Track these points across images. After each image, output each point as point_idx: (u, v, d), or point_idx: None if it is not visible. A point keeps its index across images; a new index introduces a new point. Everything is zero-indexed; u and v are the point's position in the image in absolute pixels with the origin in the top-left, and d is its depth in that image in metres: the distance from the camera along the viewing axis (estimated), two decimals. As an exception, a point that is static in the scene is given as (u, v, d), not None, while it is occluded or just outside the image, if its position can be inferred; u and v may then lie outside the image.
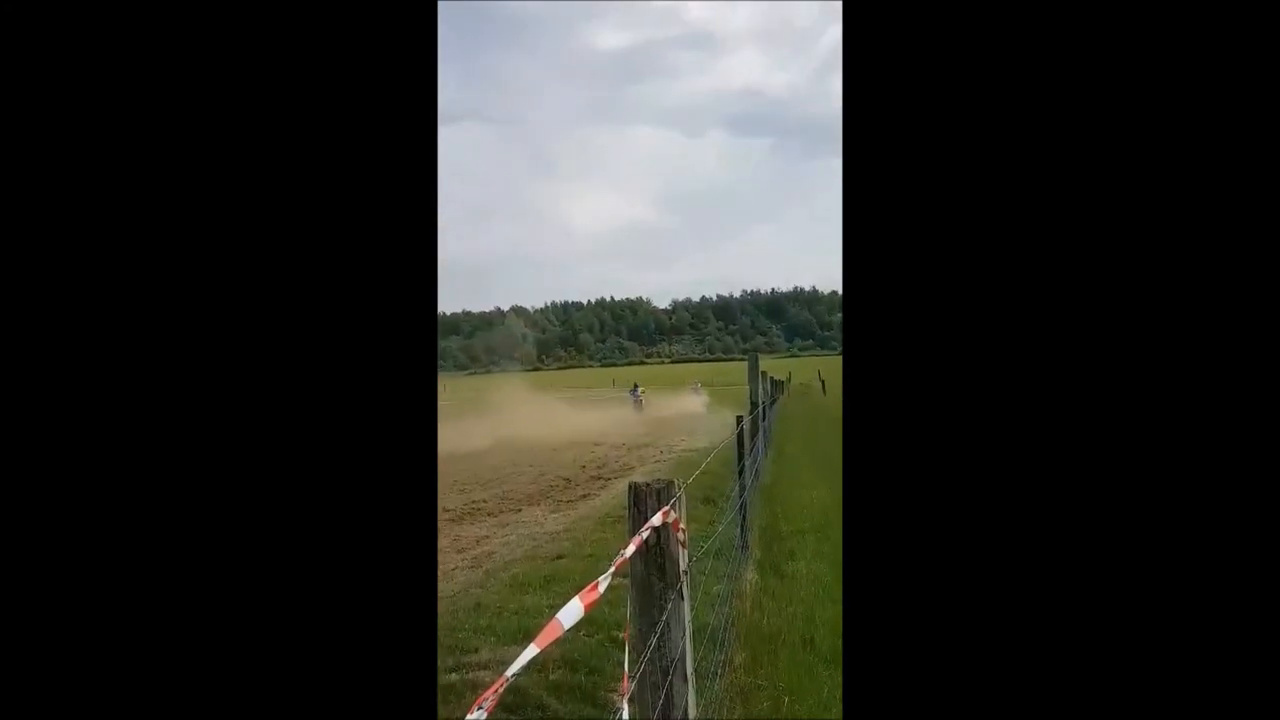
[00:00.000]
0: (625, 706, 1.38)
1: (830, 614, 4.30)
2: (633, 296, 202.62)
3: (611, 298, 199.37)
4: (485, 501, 9.71)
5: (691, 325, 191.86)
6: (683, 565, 1.93)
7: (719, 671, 3.46)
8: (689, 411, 25.91)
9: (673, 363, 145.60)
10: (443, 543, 7.16)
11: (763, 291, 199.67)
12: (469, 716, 0.90)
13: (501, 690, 0.97)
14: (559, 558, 6.39)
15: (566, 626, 1.19)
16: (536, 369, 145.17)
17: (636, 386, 33.31)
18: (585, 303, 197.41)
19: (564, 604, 1.23)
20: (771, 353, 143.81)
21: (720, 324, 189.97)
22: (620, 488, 9.16)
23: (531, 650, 1.08)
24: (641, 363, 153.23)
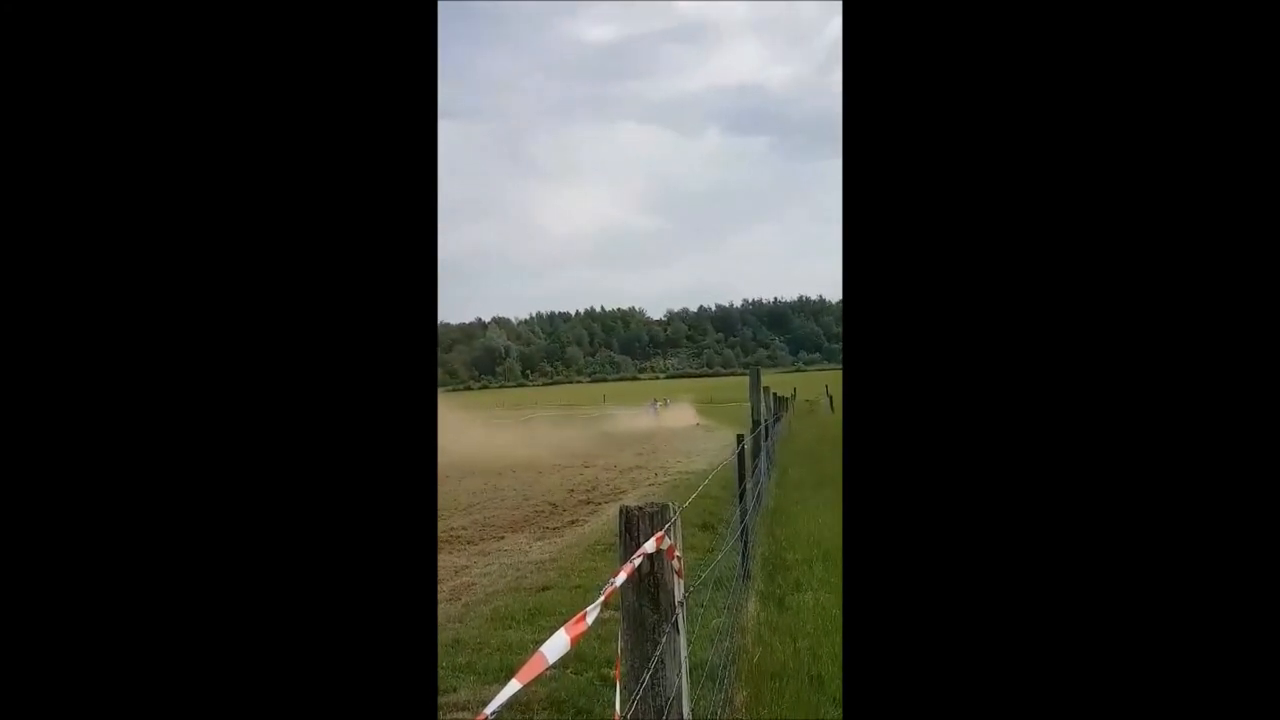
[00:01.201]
0: (616, 749, 1.37)
1: (839, 649, 4.29)
2: (624, 306, 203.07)
3: (601, 308, 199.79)
4: (464, 529, 9.65)
5: (688, 337, 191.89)
6: (678, 595, 1.92)
7: (718, 712, 3.45)
8: (673, 429, 26.96)
9: (668, 378, 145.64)
10: (418, 573, 7.11)
11: (765, 300, 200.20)
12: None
13: (480, 730, 0.97)
14: (544, 589, 6.37)
15: (551, 660, 1.18)
16: (521, 385, 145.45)
17: (655, 401, 43.02)
18: (573, 313, 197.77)
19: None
20: (775, 367, 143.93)
21: (719, 336, 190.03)
22: (611, 513, 9.14)
23: (513, 686, 1.08)
24: (634, 378, 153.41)
